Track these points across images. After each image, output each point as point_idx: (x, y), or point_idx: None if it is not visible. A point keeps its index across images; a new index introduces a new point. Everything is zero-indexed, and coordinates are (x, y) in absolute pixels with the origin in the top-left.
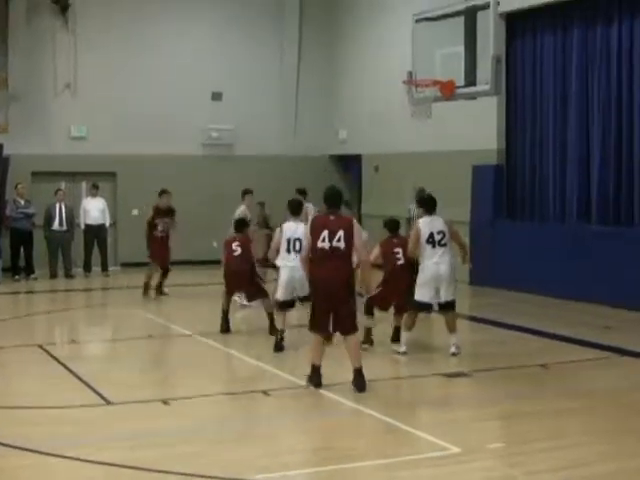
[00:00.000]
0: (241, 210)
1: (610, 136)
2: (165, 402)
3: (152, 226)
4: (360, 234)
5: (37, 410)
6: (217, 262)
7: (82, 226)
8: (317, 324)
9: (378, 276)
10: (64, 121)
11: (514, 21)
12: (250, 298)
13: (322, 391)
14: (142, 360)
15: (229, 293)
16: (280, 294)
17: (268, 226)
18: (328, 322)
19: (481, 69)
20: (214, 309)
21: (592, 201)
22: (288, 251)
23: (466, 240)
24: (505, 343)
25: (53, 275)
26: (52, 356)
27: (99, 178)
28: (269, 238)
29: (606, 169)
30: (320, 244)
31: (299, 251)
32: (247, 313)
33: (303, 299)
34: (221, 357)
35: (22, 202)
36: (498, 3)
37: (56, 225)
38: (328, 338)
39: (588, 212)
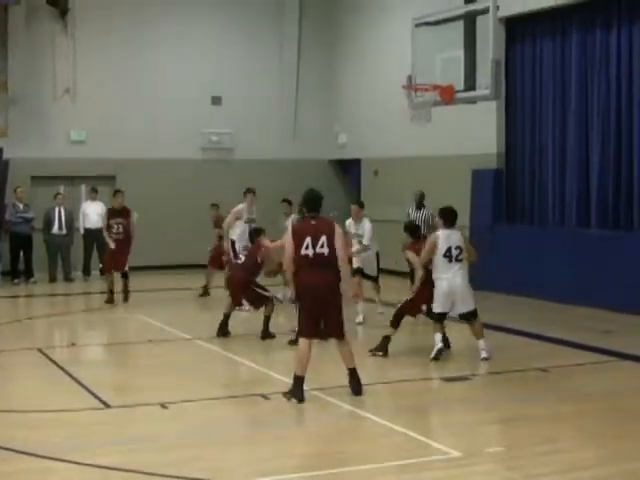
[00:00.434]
0: (238, 209)
1: (609, 140)
2: (164, 406)
3: (107, 228)
4: (341, 237)
5: (36, 414)
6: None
7: (81, 230)
8: (305, 330)
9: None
10: (63, 125)
11: (513, 26)
12: (253, 305)
13: (321, 395)
14: (141, 364)
15: (232, 301)
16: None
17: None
18: (317, 328)
19: (481, 73)
20: (213, 313)
21: (591, 205)
22: None
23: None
24: (505, 347)
25: (52, 279)
26: (51, 360)
27: (98, 182)
28: (221, 238)
29: (605, 173)
30: (304, 251)
31: None
32: (246, 317)
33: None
34: (220, 361)
35: (21, 206)
36: (498, 8)
37: (55, 229)
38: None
39: (587, 216)
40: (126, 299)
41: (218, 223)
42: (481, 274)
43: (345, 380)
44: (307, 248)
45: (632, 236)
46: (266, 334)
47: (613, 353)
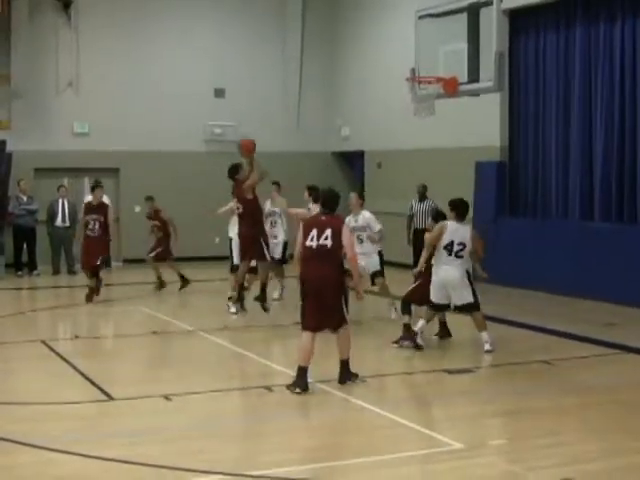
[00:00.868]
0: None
1: (613, 133)
2: (167, 398)
3: (84, 226)
4: (349, 233)
5: (39, 406)
6: (220, 258)
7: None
8: (308, 322)
9: None
10: (66, 117)
11: (517, 18)
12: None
13: (325, 387)
14: (144, 356)
15: (242, 256)
16: None
17: (157, 218)
18: (319, 319)
19: (484, 66)
20: (217, 305)
21: (595, 198)
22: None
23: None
24: (508, 340)
25: (56, 271)
26: (55, 352)
27: (102, 174)
28: (158, 229)
29: (609, 166)
30: (308, 243)
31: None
32: (249, 309)
33: None
34: (224, 353)
35: (25, 198)
36: (501, 0)
37: (59, 221)
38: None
39: (591, 209)
40: (89, 299)
41: (155, 216)
42: (484, 267)
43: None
44: (312, 240)
45: (635, 229)
46: (263, 298)
47: (616, 346)
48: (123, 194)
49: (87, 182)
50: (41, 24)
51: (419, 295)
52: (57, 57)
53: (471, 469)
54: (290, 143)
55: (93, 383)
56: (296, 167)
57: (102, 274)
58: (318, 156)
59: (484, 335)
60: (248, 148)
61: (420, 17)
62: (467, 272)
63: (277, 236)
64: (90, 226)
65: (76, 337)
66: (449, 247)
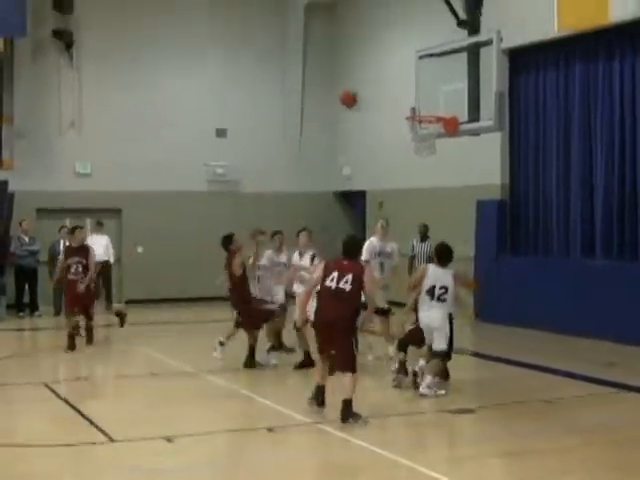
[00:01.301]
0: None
1: (613, 171)
2: (169, 439)
3: (66, 269)
4: (372, 282)
5: (40, 448)
6: (223, 299)
7: None
8: (319, 353)
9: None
10: (69, 158)
11: (517, 57)
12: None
13: (326, 427)
14: (145, 397)
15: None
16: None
17: None
18: (327, 351)
19: (484, 105)
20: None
21: (596, 236)
22: None
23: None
24: (510, 379)
25: (57, 312)
26: (56, 393)
27: (104, 215)
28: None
29: (609, 204)
30: (328, 283)
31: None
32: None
33: None
34: (224, 394)
35: (27, 239)
36: (501, 39)
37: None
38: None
39: (592, 247)
40: (90, 341)
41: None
42: (485, 305)
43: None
44: (332, 281)
45: (636, 267)
46: (251, 363)
47: (618, 385)
48: (125, 235)
49: (89, 223)
50: (43, 64)
51: (419, 337)
52: (59, 97)
53: None
54: (291, 183)
55: (94, 424)
56: (298, 207)
57: (106, 315)
58: (319, 196)
59: (428, 378)
60: (349, 99)
61: (420, 57)
62: (450, 316)
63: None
64: (73, 270)
65: (77, 379)
66: (431, 291)
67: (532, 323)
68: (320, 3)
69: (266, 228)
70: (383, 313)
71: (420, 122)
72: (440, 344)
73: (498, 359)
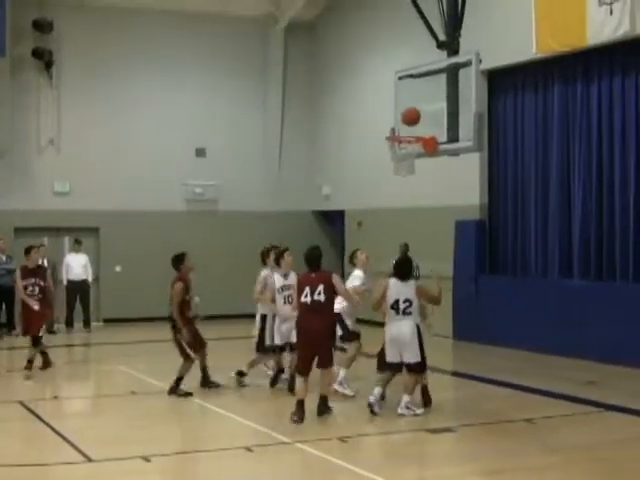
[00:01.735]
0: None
1: (591, 191)
2: (146, 459)
3: (23, 290)
4: (341, 283)
5: (16, 468)
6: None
7: (64, 282)
8: (301, 369)
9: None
10: (48, 176)
11: (495, 78)
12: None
13: (305, 447)
14: (124, 417)
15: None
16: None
17: None
18: (310, 366)
19: (463, 125)
20: (196, 365)
21: (574, 256)
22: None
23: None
24: (490, 399)
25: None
26: (33, 413)
27: (82, 234)
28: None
29: (587, 225)
30: (303, 299)
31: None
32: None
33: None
34: (203, 413)
35: (4, 258)
36: (480, 61)
37: None
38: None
39: (570, 267)
40: (46, 365)
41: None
42: (464, 325)
43: (331, 432)
44: (306, 296)
45: (613, 287)
46: (208, 383)
47: (597, 404)
48: (104, 253)
49: (67, 241)
50: (23, 83)
51: (381, 359)
52: (38, 116)
53: None
54: (271, 202)
55: (71, 444)
56: (277, 226)
57: (84, 333)
58: (298, 215)
59: (405, 398)
60: (412, 118)
61: (400, 77)
62: (417, 327)
63: None
64: (29, 291)
65: (55, 397)
66: (395, 305)
67: (511, 342)
68: (300, 23)
69: (246, 247)
70: (357, 337)
71: (399, 142)
72: (413, 357)
73: (477, 378)
